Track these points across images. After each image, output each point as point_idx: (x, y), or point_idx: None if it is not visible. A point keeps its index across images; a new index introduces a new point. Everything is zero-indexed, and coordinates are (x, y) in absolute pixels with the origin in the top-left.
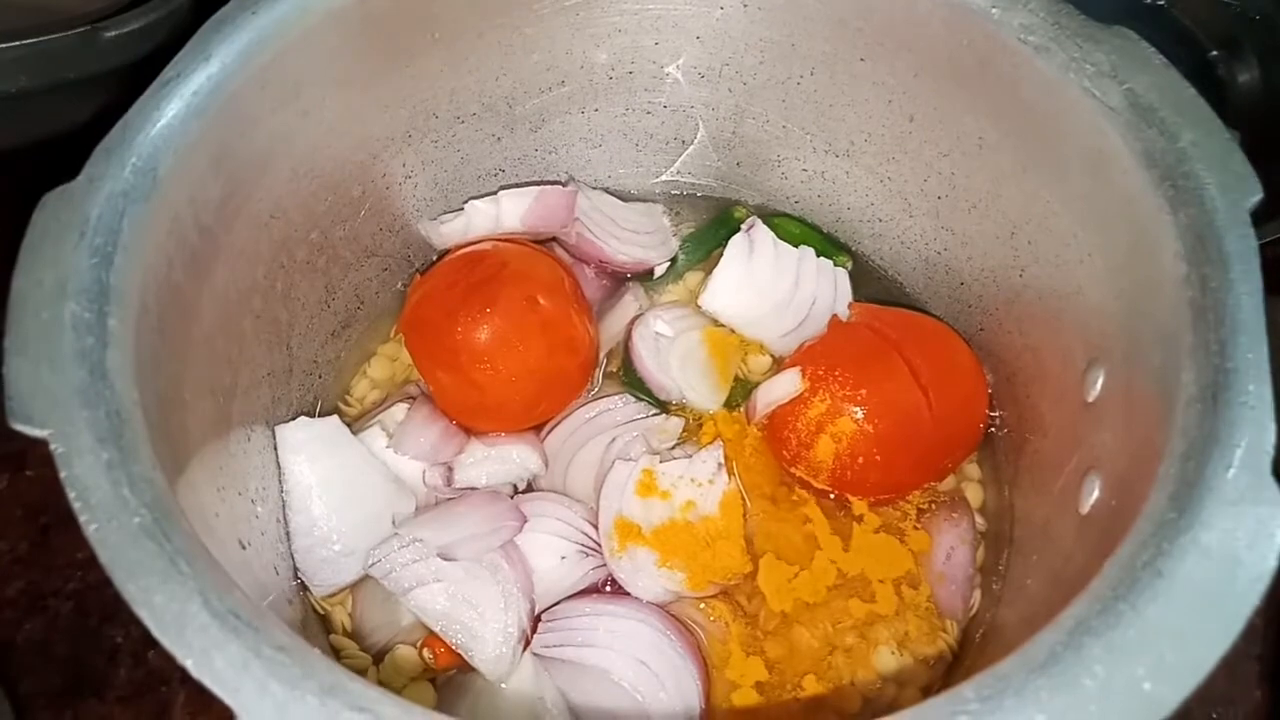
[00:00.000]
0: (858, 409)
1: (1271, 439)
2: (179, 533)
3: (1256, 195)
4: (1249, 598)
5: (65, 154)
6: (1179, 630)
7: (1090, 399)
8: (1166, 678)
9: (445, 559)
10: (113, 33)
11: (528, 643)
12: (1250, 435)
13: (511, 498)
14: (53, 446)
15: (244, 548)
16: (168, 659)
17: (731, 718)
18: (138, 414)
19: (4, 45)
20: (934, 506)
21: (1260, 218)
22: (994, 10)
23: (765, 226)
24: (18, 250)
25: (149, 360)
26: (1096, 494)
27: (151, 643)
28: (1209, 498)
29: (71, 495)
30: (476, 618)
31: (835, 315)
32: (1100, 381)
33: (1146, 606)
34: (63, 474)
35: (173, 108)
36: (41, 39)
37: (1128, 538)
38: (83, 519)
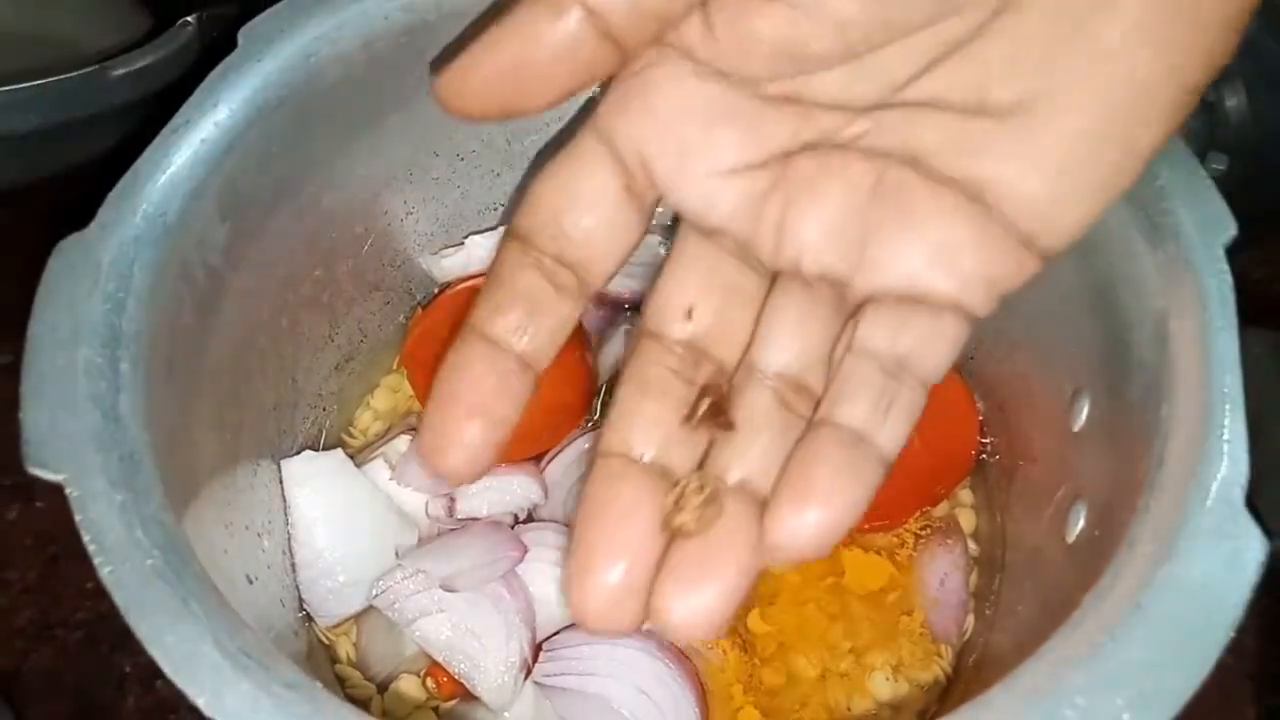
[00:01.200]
0: None
1: (1245, 472)
2: (190, 574)
3: (1231, 232)
4: (1224, 629)
5: (76, 190)
6: (1157, 662)
7: (1076, 428)
8: (1145, 708)
9: (448, 590)
10: (120, 71)
11: (529, 671)
12: (1225, 468)
13: (512, 528)
14: (68, 490)
15: (251, 582)
16: (176, 688)
17: None
18: (149, 456)
19: (14, 86)
20: (928, 532)
21: (1246, 244)
22: None
23: None
24: (31, 286)
25: (159, 401)
26: (1082, 523)
27: (160, 672)
28: (1185, 530)
29: (86, 539)
30: (479, 647)
31: None
32: (1085, 411)
33: (1125, 638)
34: (78, 517)
35: (181, 155)
36: (50, 79)
37: (1108, 569)
38: (97, 561)
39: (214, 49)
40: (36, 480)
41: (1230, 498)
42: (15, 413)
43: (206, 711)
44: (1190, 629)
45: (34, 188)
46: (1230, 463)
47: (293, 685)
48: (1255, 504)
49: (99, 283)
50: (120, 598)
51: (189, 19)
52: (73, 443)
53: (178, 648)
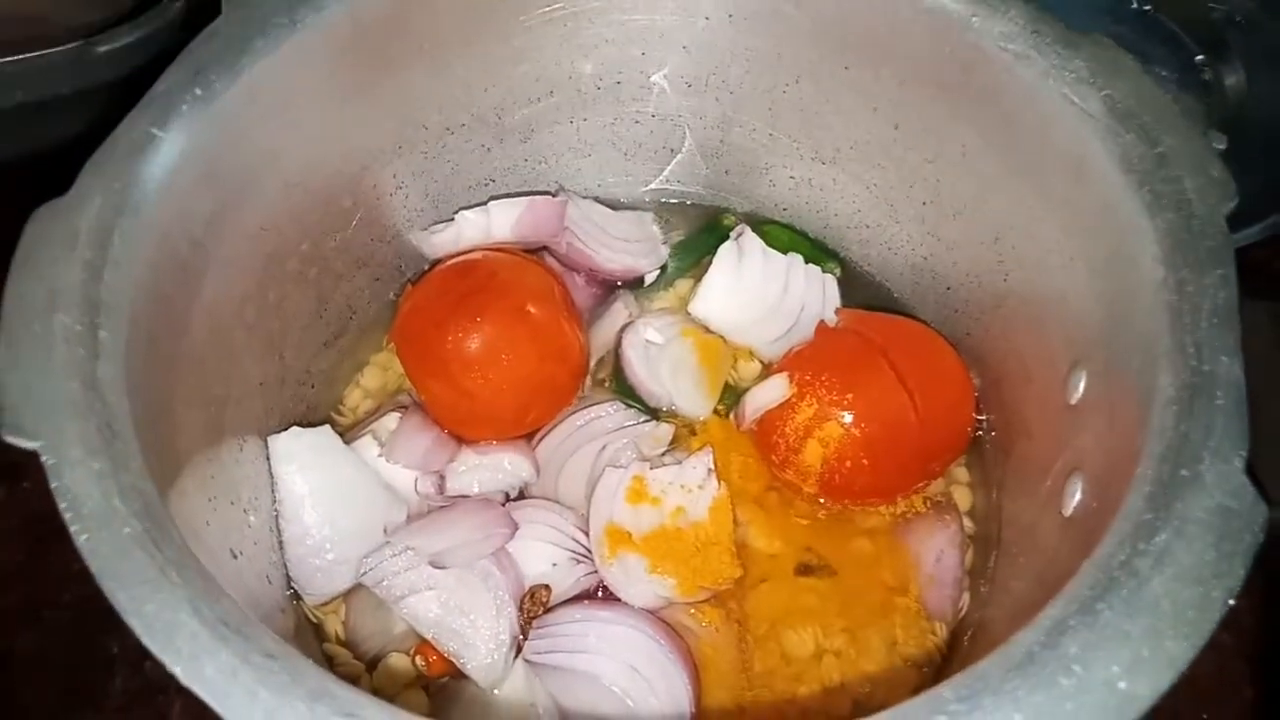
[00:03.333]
0: (844, 413)
1: (1245, 440)
2: (169, 542)
3: (1233, 200)
4: (1220, 597)
5: (59, 167)
6: (1153, 629)
7: (1073, 402)
8: (1141, 675)
9: (437, 567)
10: (105, 47)
11: (519, 649)
12: (1224, 437)
13: (503, 505)
14: (44, 458)
15: (235, 557)
16: (164, 668)
17: None
18: (128, 425)
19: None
20: (924, 510)
21: (1247, 220)
22: (974, 19)
23: (754, 234)
24: (9, 263)
25: (140, 371)
26: (1079, 496)
27: (148, 653)
28: (1183, 498)
29: (62, 505)
30: (468, 625)
31: (822, 321)
32: (1082, 384)
33: (1121, 606)
34: (53, 484)
35: (162, 122)
36: (36, 54)
37: (1105, 538)
38: (73, 529)
39: (199, 24)
40: (25, 462)
41: (1228, 465)
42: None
43: (183, 680)
44: (1188, 596)
45: (16, 164)
46: (1229, 430)
47: (273, 654)
48: (1254, 471)
49: (77, 250)
50: (96, 565)
51: None
52: (49, 410)
53: (155, 616)
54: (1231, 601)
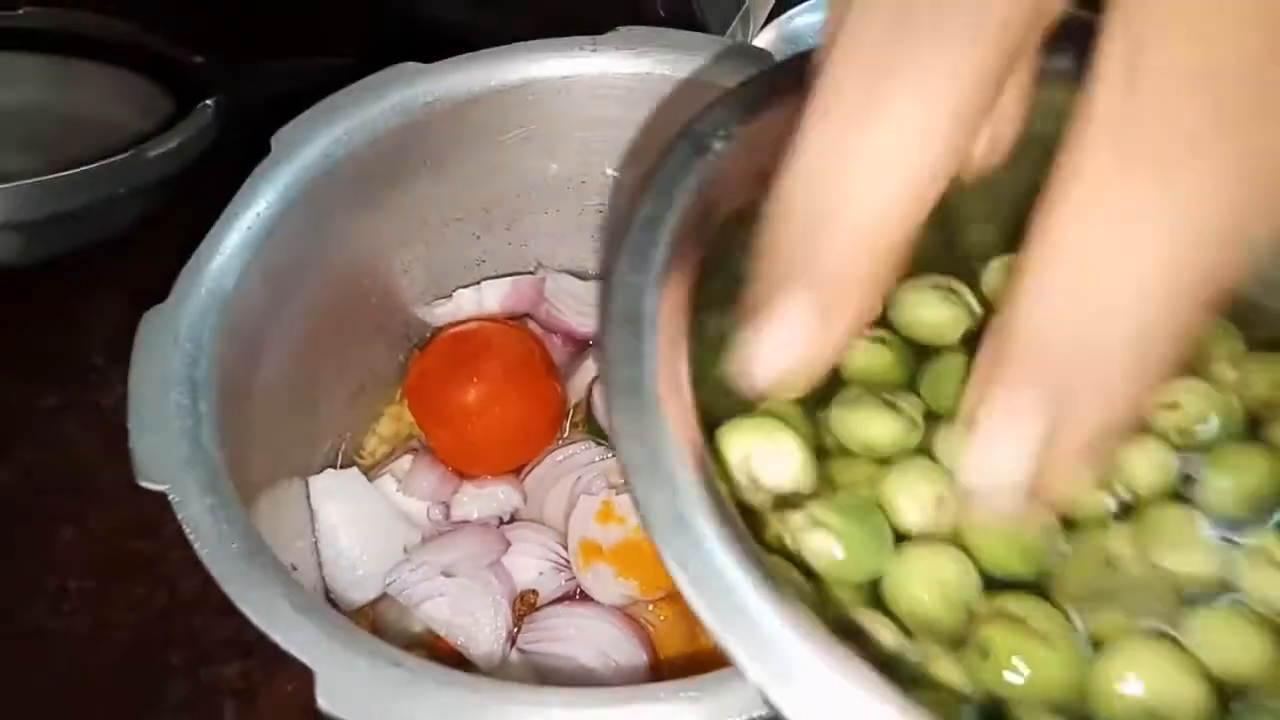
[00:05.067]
0: None
1: None
2: (262, 553)
3: None
4: None
5: (112, 258)
6: None
7: None
8: None
9: (447, 576)
10: (154, 152)
11: (514, 641)
12: None
13: (498, 527)
14: (171, 497)
15: (294, 570)
16: (217, 675)
17: None
18: (224, 473)
19: (73, 170)
20: None
21: None
22: None
23: None
24: (71, 338)
25: (226, 433)
26: None
27: (203, 661)
28: None
29: (187, 530)
30: (473, 622)
31: None
32: None
33: None
34: (180, 515)
35: (233, 240)
36: (102, 162)
37: None
38: (196, 545)
39: (231, 131)
40: (88, 508)
41: None
42: (67, 446)
43: (284, 646)
44: None
45: (79, 253)
46: None
47: (340, 626)
48: None
49: (179, 343)
50: (215, 571)
51: (208, 101)
52: (171, 463)
53: (260, 604)
54: None
